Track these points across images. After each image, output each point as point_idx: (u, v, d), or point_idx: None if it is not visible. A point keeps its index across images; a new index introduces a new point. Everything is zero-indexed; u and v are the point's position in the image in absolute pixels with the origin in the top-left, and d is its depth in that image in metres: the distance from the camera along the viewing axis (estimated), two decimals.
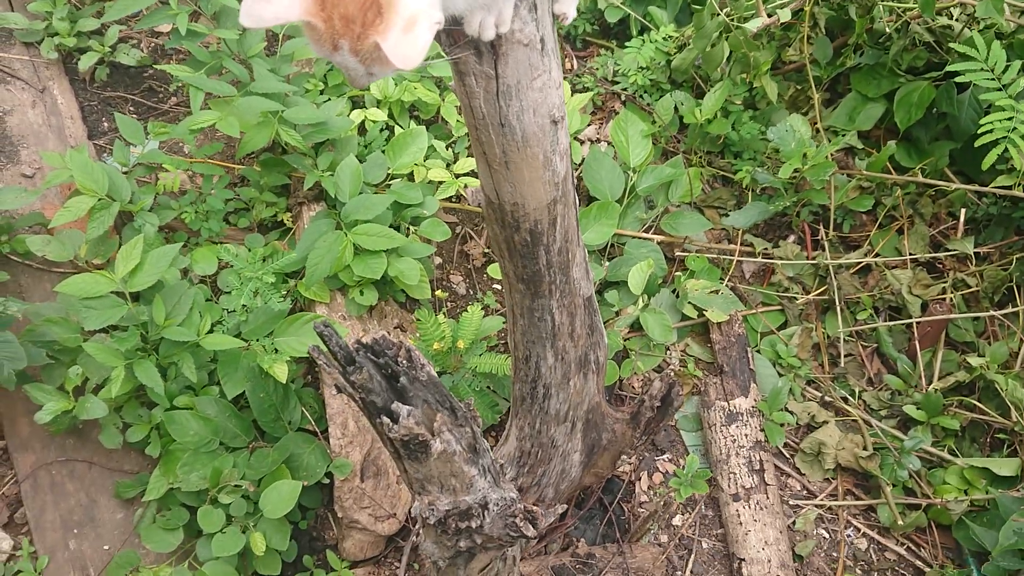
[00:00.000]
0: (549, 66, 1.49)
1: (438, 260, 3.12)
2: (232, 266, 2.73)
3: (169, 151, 3.10)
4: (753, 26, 2.61)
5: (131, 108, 3.25)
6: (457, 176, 2.97)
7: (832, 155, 3.14)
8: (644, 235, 3.14)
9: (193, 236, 2.95)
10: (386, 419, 1.66)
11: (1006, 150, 2.56)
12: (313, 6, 1.13)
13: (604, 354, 2.32)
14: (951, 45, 2.82)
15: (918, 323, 3.01)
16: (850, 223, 3.21)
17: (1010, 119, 2.54)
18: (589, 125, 3.47)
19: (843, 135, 3.22)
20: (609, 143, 3.35)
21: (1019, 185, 2.80)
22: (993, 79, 2.58)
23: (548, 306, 2.02)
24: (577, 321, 2.11)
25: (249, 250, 2.82)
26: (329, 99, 3.07)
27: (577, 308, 2.09)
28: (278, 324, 2.62)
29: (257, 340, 2.58)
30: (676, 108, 3.29)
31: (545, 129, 1.58)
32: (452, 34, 1.38)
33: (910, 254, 3.11)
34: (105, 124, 3.21)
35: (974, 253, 3.08)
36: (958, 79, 2.79)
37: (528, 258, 1.87)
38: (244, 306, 2.67)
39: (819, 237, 3.21)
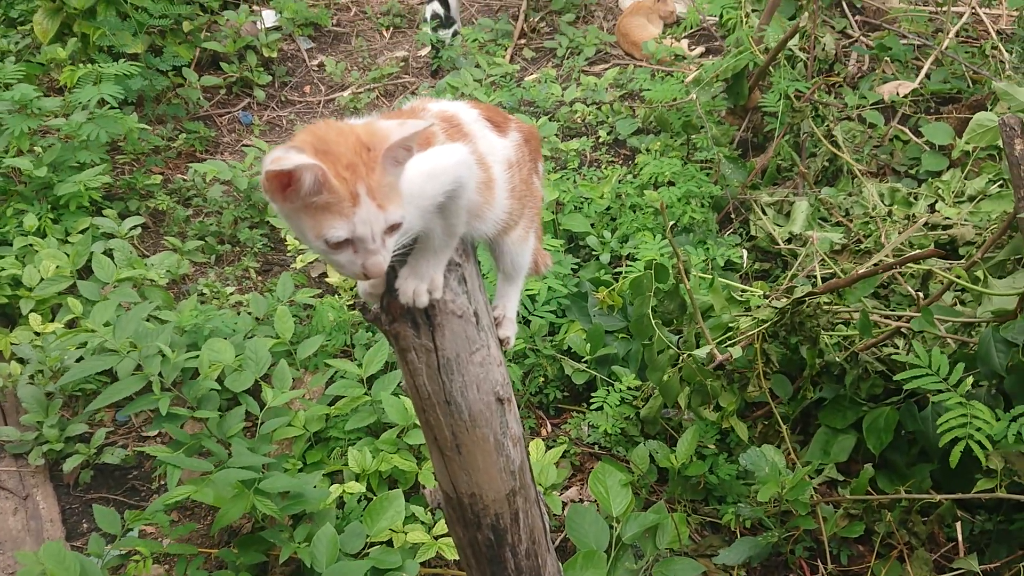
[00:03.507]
0: (487, 341, 1.59)
1: None
2: None
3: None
4: (702, 352, 2.76)
5: (113, 507, 3.26)
6: (437, 538, 2.93)
7: (815, 488, 3.13)
8: None
9: None
10: None
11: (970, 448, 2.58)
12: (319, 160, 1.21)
13: None
14: (897, 364, 2.96)
15: None
16: (847, 554, 3.11)
17: (964, 415, 2.60)
18: (569, 488, 3.48)
19: (821, 468, 3.24)
20: (592, 501, 3.34)
21: (1001, 487, 2.78)
22: (940, 381, 2.68)
23: None
24: None
25: None
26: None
27: None
28: None
29: None
30: (652, 458, 3.34)
31: (492, 407, 1.63)
32: (390, 309, 1.49)
33: None
34: (84, 525, 3.21)
35: (982, 570, 2.95)
36: (913, 392, 2.90)
37: (495, 563, 1.82)
38: None
39: (819, 574, 3.08)
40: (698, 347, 3.05)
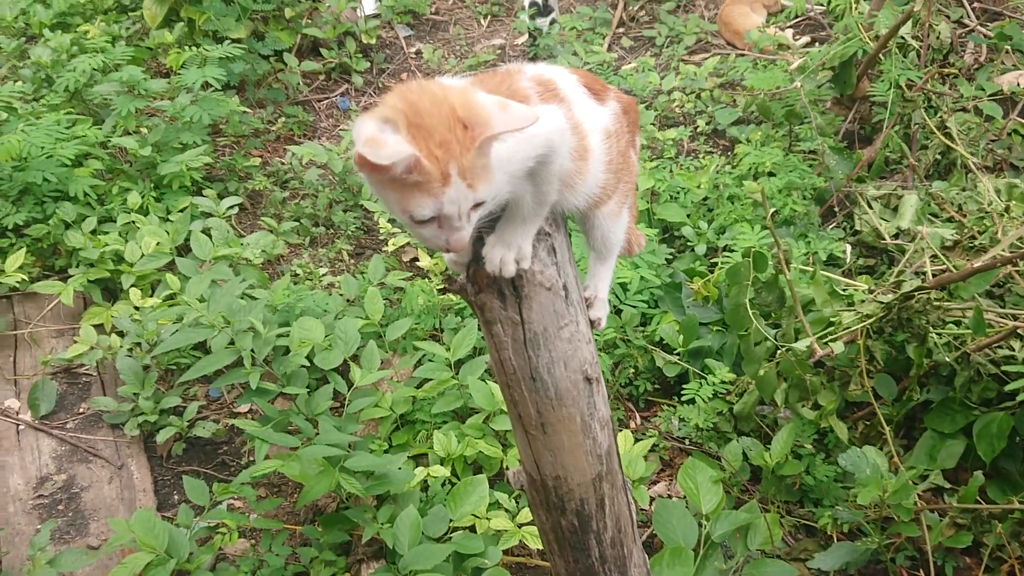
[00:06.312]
0: (576, 317, 1.52)
1: None
2: None
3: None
4: (802, 345, 2.64)
5: (203, 481, 3.31)
6: (520, 526, 2.88)
7: (919, 495, 2.98)
8: None
9: None
10: None
11: None
12: (414, 144, 1.17)
13: None
14: (1012, 366, 2.78)
15: None
16: (952, 565, 2.94)
17: None
18: (657, 483, 3.39)
19: (926, 475, 3.08)
20: (680, 497, 3.25)
21: None
22: None
23: None
24: None
25: None
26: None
27: None
28: None
29: None
30: (745, 455, 3.22)
31: (579, 387, 1.56)
32: (476, 279, 1.44)
33: None
34: (175, 496, 3.27)
35: None
36: None
37: (578, 550, 1.75)
38: None
39: None
40: (797, 341, 2.92)
